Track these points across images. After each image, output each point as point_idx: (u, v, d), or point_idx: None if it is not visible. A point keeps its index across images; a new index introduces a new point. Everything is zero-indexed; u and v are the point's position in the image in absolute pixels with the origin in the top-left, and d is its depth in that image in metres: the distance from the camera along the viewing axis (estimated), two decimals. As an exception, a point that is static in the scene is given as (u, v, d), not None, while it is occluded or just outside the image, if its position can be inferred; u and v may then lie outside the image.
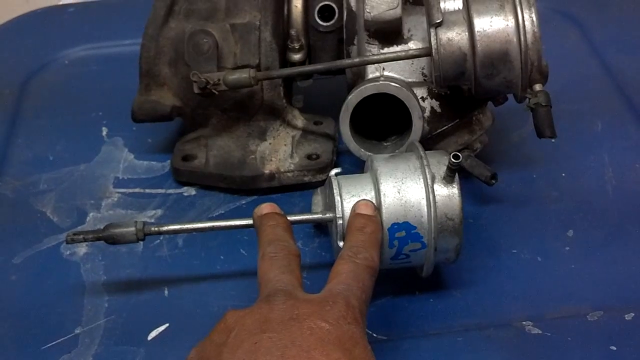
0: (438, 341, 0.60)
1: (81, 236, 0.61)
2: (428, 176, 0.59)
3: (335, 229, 0.59)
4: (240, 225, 0.61)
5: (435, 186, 0.59)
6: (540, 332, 0.60)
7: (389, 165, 0.61)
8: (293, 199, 0.73)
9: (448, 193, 0.59)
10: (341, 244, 0.58)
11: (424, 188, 0.59)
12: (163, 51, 0.73)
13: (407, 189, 0.59)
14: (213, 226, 0.62)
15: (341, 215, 0.59)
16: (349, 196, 0.60)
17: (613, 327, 0.61)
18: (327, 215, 0.60)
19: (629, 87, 0.84)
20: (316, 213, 0.62)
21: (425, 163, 0.60)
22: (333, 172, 0.62)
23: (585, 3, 0.99)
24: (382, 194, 0.59)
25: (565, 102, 0.81)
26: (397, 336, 0.60)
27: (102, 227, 0.61)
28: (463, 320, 0.62)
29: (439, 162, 0.60)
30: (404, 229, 0.59)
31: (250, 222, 0.60)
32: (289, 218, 0.59)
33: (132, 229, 0.61)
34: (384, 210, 0.59)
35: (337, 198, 0.59)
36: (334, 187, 0.60)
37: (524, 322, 0.61)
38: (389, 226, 0.59)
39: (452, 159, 0.58)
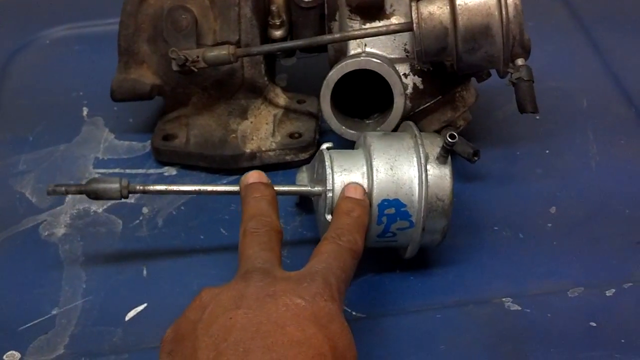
0: (417, 318, 0.60)
1: (63, 188, 0.59)
2: (422, 155, 0.59)
3: (324, 203, 0.59)
4: (226, 191, 0.60)
5: (428, 166, 0.59)
6: (519, 308, 0.60)
7: (382, 142, 0.60)
8: (275, 179, 0.71)
9: (440, 173, 0.59)
10: (329, 217, 0.58)
11: (416, 166, 0.58)
12: (142, 28, 0.72)
13: (400, 166, 0.59)
14: (199, 190, 0.61)
15: (331, 188, 0.58)
16: (341, 170, 0.59)
17: (593, 303, 0.60)
18: (316, 188, 0.60)
19: (616, 64, 0.84)
20: (304, 185, 0.62)
21: (419, 142, 0.59)
22: (324, 145, 0.62)
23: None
24: (374, 169, 0.58)
25: (551, 79, 0.81)
26: (376, 314, 0.60)
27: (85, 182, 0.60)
28: (443, 297, 0.61)
29: (432, 143, 0.60)
30: (394, 206, 0.58)
31: (236, 188, 0.59)
32: (276, 188, 0.58)
33: (117, 185, 0.59)
34: (375, 185, 0.58)
35: (328, 170, 0.59)
36: (326, 159, 0.59)
37: (503, 299, 0.61)
38: (379, 202, 0.58)
39: (448, 139, 0.57)
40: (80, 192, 0.60)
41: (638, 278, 0.62)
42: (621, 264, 0.64)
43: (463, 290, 0.62)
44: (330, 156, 0.60)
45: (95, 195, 0.60)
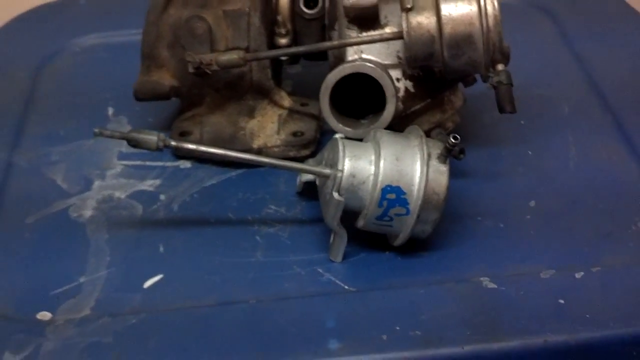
0: (402, 293, 0.65)
1: (109, 132, 0.66)
2: (425, 152, 0.66)
3: (333, 182, 0.65)
4: (246, 158, 0.68)
5: (430, 162, 0.66)
6: (495, 286, 0.65)
7: (391, 137, 0.68)
8: (279, 171, 0.78)
9: (439, 170, 0.66)
10: (336, 195, 0.65)
11: (419, 161, 0.66)
12: (162, 35, 0.79)
13: (405, 158, 0.66)
14: (225, 154, 0.69)
15: (342, 169, 0.65)
16: (351, 155, 0.66)
17: (563, 284, 0.65)
18: (326, 170, 0.67)
19: (596, 74, 0.89)
20: (315, 166, 0.69)
21: (424, 142, 0.67)
22: (337, 135, 0.69)
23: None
24: (382, 157, 0.65)
25: (535, 87, 0.87)
26: (365, 288, 0.66)
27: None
28: (426, 276, 0.67)
29: (434, 145, 0.67)
30: (395, 192, 0.65)
31: (252, 157, 0.67)
32: (291, 165, 0.65)
33: (155, 138, 0.66)
34: (381, 171, 0.65)
35: (341, 154, 0.66)
36: (339, 145, 0.67)
37: (481, 278, 0.66)
38: (383, 187, 0.65)
39: (452, 139, 0.65)
40: (123, 138, 0.67)
41: (606, 263, 0.67)
42: (591, 251, 0.68)
43: (445, 271, 0.67)
44: (343, 143, 0.67)
45: (135, 143, 0.66)
